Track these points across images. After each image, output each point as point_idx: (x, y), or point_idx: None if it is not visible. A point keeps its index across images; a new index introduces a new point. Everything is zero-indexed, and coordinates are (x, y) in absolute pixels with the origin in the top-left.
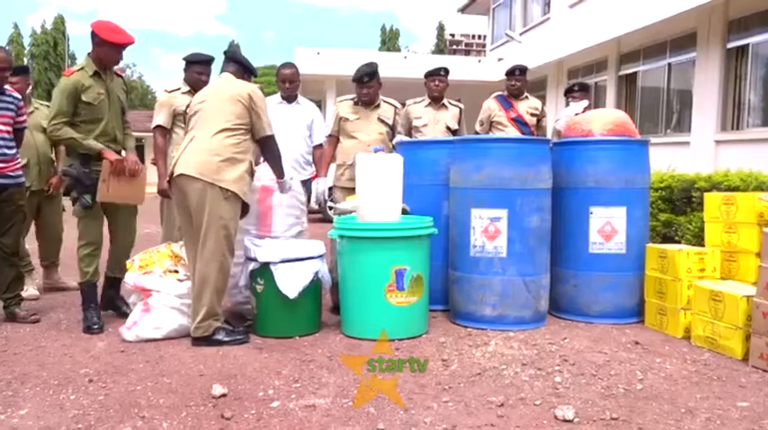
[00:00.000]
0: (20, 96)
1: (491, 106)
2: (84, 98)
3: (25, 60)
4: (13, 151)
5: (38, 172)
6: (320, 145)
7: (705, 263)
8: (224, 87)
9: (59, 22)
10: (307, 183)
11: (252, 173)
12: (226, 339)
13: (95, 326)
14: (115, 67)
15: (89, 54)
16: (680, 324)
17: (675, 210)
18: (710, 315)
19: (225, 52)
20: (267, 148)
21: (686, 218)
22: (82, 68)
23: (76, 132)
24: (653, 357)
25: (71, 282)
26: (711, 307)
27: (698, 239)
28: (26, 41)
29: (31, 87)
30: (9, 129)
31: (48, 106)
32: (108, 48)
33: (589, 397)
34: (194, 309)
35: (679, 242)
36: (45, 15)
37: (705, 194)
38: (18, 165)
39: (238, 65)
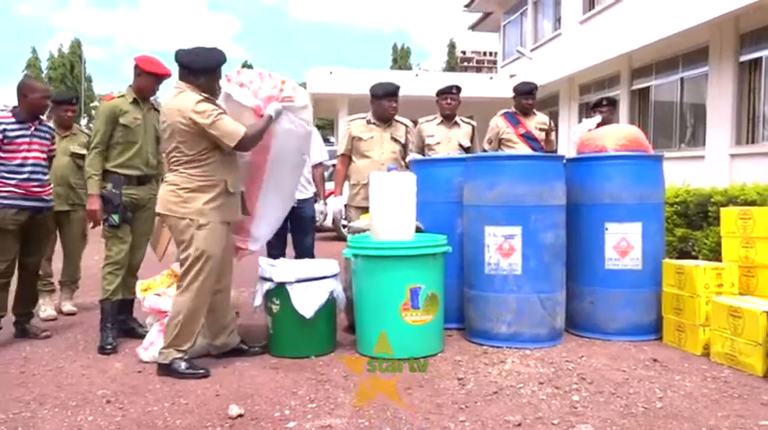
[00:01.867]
0: (53, 127)
1: (499, 124)
2: (121, 121)
3: None
4: (47, 177)
5: (54, 194)
6: (319, 163)
7: (723, 278)
8: (171, 111)
9: (76, 46)
10: (309, 202)
11: (227, 191)
12: (185, 371)
13: (108, 347)
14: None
15: (130, 85)
16: (699, 340)
17: (691, 225)
18: (730, 331)
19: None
20: (246, 148)
21: (702, 232)
22: (122, 96)
23: (111, 155)
24: (672, 375)
25: (71, 308)
26: (730, 323)
27: (715, 254)
28: (44, 65)
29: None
30: (45, 156)
31: (86, 134)
32: (147, 78)
33: (608, 415)
34: (165, 335)
35: (696, 257)
36: (62, 40)
37: (721, 209)
38: (51, 190)
39: (181, 68)
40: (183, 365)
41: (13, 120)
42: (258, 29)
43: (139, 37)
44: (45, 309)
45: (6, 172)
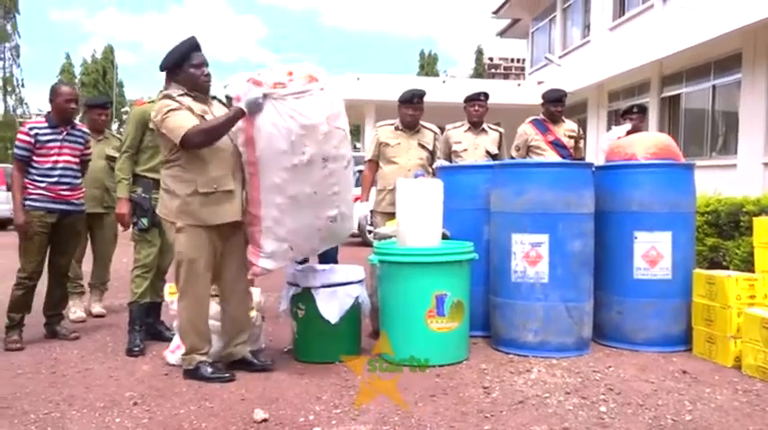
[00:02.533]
0: (88, 131)
1: (527, 131)
2: (151, 125)
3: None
4: (79, 181)
5: (89, 196)
6: None
7: (755, 289)
8: None
9: (108, 52)
10: None
11: (199, 193)
12: (211, 376)
13: (136, 349)
14: None
15: (161, 90)
16: (730, 352)
17: (722, 235)
18: (762, 343)
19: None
20: (195, 145)
21: (734, 242)
22: (153, 101)
23: (140, 159)
24: (702, 387)
25: (100, 310)
26: (763, 335)
27: (747, 265)
28: (77, 71)
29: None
30: (77, 160)
31: (118, 138)
32: None
33: (636, 427)
34: (182, 342)
35: (727, 267)
36: (95, 45)
37: (754, 219)
38: (81, 194)
39: (165, 73)
40: (209, 369)
41: (46, 125)
42: (284, 33)
43: (170, 42)
44: (75, 310)
45: (38, 175)
